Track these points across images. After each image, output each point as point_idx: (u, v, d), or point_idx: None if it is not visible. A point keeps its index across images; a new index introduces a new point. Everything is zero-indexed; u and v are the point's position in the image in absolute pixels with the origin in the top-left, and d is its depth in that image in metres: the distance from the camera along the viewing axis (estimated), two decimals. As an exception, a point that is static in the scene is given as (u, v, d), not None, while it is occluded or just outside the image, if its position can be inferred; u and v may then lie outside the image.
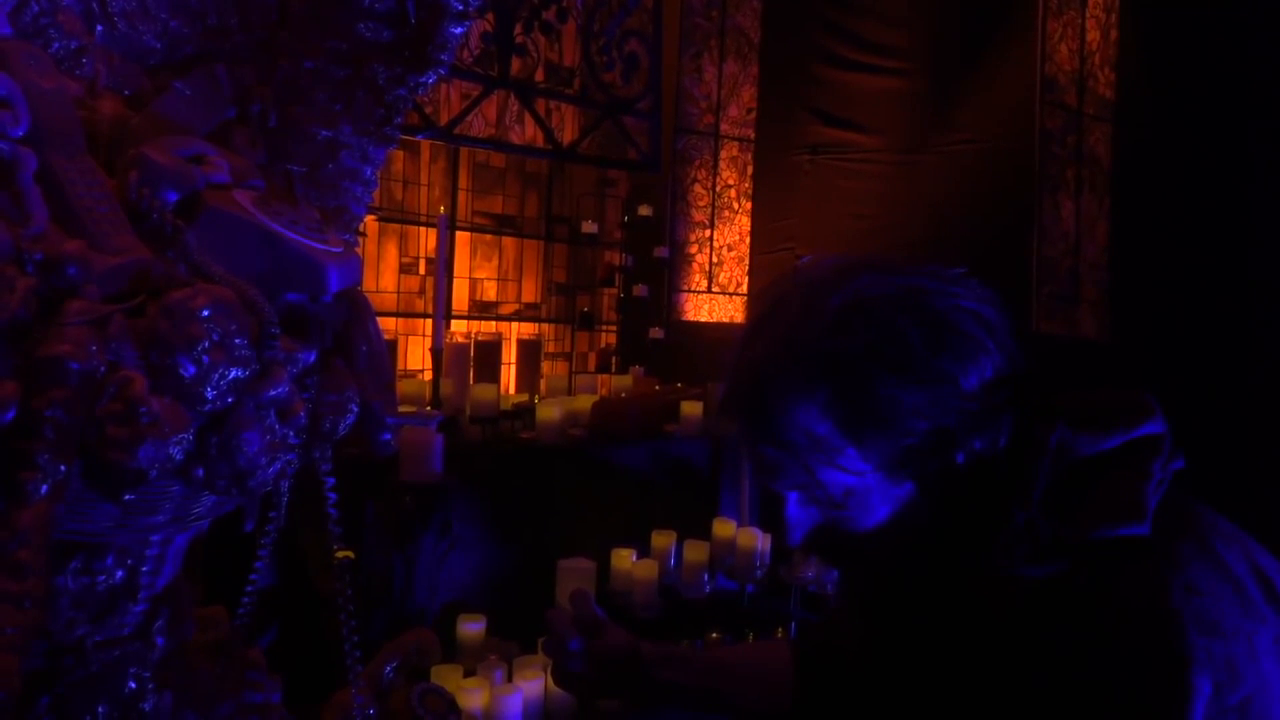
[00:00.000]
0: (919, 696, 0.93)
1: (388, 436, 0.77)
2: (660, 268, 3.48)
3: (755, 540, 2.21)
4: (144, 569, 0.74)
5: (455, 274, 3.41)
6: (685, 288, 3.55)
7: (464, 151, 3.40)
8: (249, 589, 0.88)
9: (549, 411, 2.23)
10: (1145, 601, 0.77)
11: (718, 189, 3.52)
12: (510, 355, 2.98)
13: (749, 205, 3.50)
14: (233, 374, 0.63)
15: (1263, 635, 0.77)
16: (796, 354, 0.85)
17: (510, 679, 1.76)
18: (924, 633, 0.91)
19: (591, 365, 3.69)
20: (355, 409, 0.73)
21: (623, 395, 2.68)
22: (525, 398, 2.59)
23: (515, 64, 2.90)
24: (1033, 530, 0.81)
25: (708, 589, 2.16)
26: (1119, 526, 0.79)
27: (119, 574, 0.73)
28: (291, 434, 0.68)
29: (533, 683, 1.74)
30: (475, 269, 3.57)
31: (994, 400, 0.83)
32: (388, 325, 3.14)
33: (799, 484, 0.88)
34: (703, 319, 3.53)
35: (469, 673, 1.72)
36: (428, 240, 3.35)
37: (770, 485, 0.91)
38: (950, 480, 0.84)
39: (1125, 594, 0.78)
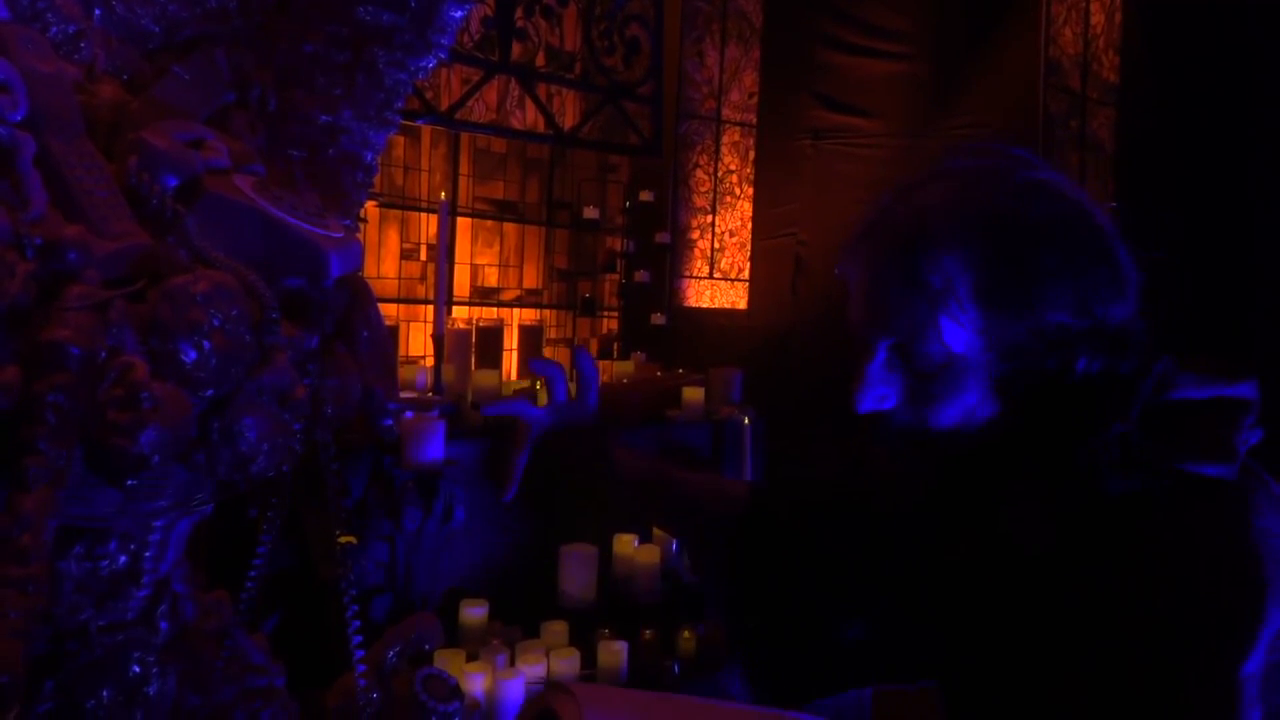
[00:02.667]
0: (955, 594, 0.91)
1: (389, 422, 0.77)
2: (662, 253, 3.47)
3: (757, 526, 2.21)
4: (147, 554, 0.75)
5: (456, 260, 3.40)
6: (687, 273, 3.54)
7: (465, 137, 3.39)
8: (252, 574, 0.89)
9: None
10: (1226, 531, 0.77)
11: (719, 174, 3.51)
12: (512, 341, 2.97)
13: (751, 191, 3.48)
14: (234, 359, 0.63)
15: None
16: (972, 204, 0.84)
17: (513, 664, 1.76)
18: (979, 533, 0.88)
19: (593, 351, 3.69)
20: (357, 394, 0.73)
21: (624, 381, 2.69)
22: (527, 384, 2.59)
23: (516, 48, 2.88)
24: (1126, 444, 0.79)
25: (709, 574, 2.16)
26: (1209, 463, 0.79)
27: (122, 559, 0.73)
28: (293, 419, 0.68)
29: (535, 667, 1.75)
30: (476, 255, 3.56)
31: (1133, 329, 0.83)
32: (389, 311, 3.14)
33: (904, 335, 0.85)
34: (704, 305, 3.52)
35: (471, 657, 1.73)
36: (429, 226, 3.35)
37: (870, 333, 0.88)
38: (1050, 389, 0.83)
39: (1206, 521, 0.78)
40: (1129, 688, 0.77)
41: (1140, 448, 0.80)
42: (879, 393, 0.88)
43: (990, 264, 0.83)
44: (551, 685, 0.97)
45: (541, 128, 3.22)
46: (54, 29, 0.77)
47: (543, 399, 1.18)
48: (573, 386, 1.15)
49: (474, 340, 2.40)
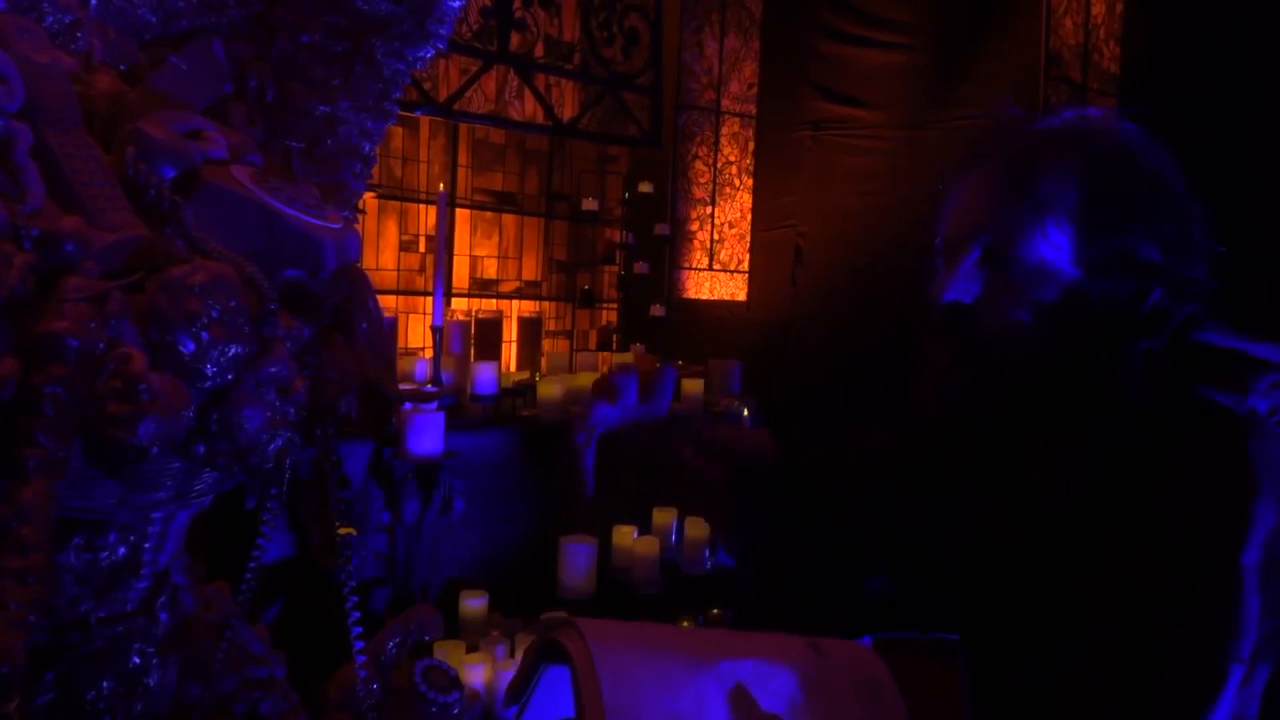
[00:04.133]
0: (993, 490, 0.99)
1: (389, 414, 0.77)
2: (661, 245, 3.47)
3: (756, 517, 2.21)
4: (146, 545, 0.75)
5: (455, 252, 3.40)
6: (686, 265, 3.54)
7: (463, 128, 3.38)
8: (251, 565, 0.89)
9: (550, 389, 2.23)
10: (1226, 441, 0.85)
11: (719, 165, 3.50)
12: (511, 333, 2.97)
13: (750, 182, 3.48)
14: (232, 350, 0.63)
15: None
16: (1090, 138, 0.94)
17: (512, 654, 1.77)
18: (1010, 483, 0.97)
19: (592, 343, 3.69)
20: (356, 386, 0.73)
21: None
22: (526, 375, 2.59)
23: (514, 39, 2.88)
24: (1149, 361, 0.87)
25: (709, 565, 2.17)
26: (1222, 392, 0.86)
27: (121, 550, 0.73)
28: (292, 410, 0.68)
29: (535, 658, 1.75)
30: (475, 246, 3.56)
31: (1206, 285, 0.91)
32: (388, 303, 3.14)
33: (1004, 236, 0.91)
34: (704, 296, 3.52)
35: (471, 648, 1.73)
36: (427, 218, 3.34)
37: (971, 232, 0.95)
38: (1119, 315, 0.89)
39: (1210, 433, 0.86)
40: (1144, 582, 0.84)
41: (1162, 365, 0.87)
42: (964, 287, 0.94)
43: (1097, 187, 0.90)
44: (555, 620, 0.98)
45: (540, 119, 3.21)
46: (50, 19, 0.77)
47: (613, 398, 1.26)
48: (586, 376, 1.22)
49: (473, 332, 2.40)
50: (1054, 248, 0.90)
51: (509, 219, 3.65)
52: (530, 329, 2.83)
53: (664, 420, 1.26)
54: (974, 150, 1.00)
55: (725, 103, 3.48)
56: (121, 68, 0.80)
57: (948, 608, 1.03)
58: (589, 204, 3.45)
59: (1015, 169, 0.94)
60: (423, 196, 3.32)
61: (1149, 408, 0.87)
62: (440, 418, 1.88)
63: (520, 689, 0.85)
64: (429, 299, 2.85)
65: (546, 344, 3.27)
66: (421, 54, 0.93)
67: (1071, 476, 0.93)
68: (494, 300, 3.55)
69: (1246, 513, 0.82)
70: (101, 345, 0.60)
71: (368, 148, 0.92)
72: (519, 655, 1.76)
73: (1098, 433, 0.90)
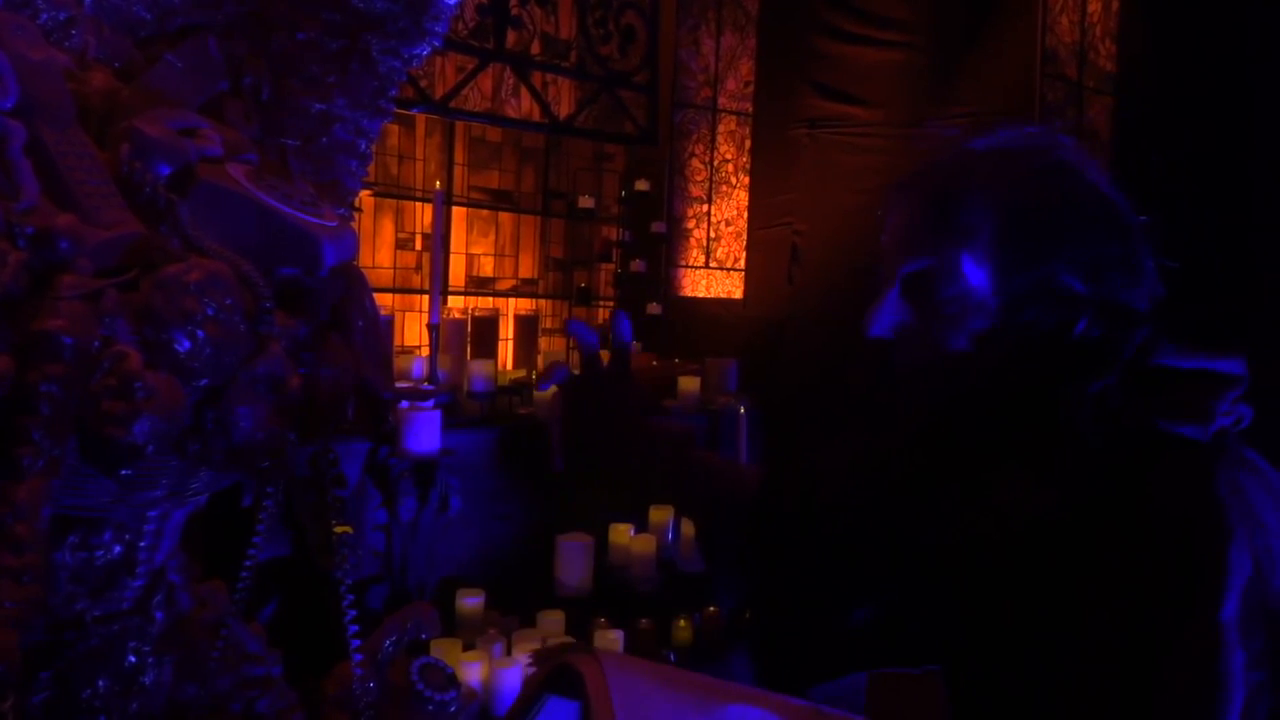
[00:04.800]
0: (938, 537, 0.94)
1: (385, 412, 0.77)
2: (658, 243, 3.46)
3: (753, 515, 2.21)
4: (142, 544, 0.75)
5: (452, 249, 3.39)
6: (683, 263, 3.53)
7: (459, 126, 3.38)
8: (247, 563, 0.89)
9: (546, 387, 2.23)
10: (1192, 482, 0.81)
11: (715, 163, 3.50)
12: (507, 331, 2.97)
13: (747, 180, 3.47)
14: (228, 349, 0.63)
15: None
16: (1011, 164, 0.92)
17: (509, 652, 1.77)
18: (971, 505, 0.91)
19: (589, 341, 3.68)
20: (352, 384, 0.73)
21: (620, 371, 2.68)
22: (523, 373, 2.59)
23: (511, 36, 2.87)
24: (1103, 400, 0.83)
25: (705, 563, 2.17)
26: (1182, 423, 0.82)
27: (117, 549, 0.73)
28: (288, 409, 0.67)
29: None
30: (472, 244, 3.55)
31: (1138, 308, 0.89)
32: (384, 301, 3.13)
33: (927, 266, 0.91)
34: (700, 294, 3.52)
35: (468, 646, 1.73)
36: (424, 216, 3.34)
37: (897, 261, 0.94)
38: (1044, 343, 0.87)
39: (1174, 473, 0.81)
40: (1115, 639, 0.79)
41: (1116, 404, 0.84)
42: (889, 319, 0.94)
43: (1014, 216, 0.89)
44: (570, 645, 0.97)
45: (537, 116, 3.21)
46: (44, 15, 0.76)
47: (574, 361, 1.21)
48: (604, 353, 1.18)
49: (469, 330, 2.40)
50: (973, 281, 0.89)
51: (505, 217, 3.64)
52: (527, 327, 2.83)
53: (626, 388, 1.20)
54: (903, 178, 0.99)
55: (722, 100, 3.47)
56: (116, 65, 0.80)
57: (926, 638, 1.01)
58: (585, 202, 3.44)
59: (936, 200, 0.93)
60: (419, 194, 3.32)
61: (1104, 444, 0.83)
62: (437, 416, 1.88)
63: (520, 716, 0.84)
64: (425, 297, 2.85)
65: (543, 342, 3.27)
66: (417, 51, 0.93)
67: (1025, 506, 0.88)
68: (490, 298, 3.54)
69: (1221, 563, 0.78)
70: (96, 343, 0.60)
71: (364, 145, 0.92)
72: (516, 653, 1.76)
73: (1053, 468, 0.86)
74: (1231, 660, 0.76)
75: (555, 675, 0.82)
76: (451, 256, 3.41)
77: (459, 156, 3.48)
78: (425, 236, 3.33)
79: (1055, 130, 0.97)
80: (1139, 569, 0.79)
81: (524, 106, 3.38)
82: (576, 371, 1.16)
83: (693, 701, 0.80)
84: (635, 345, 3.08)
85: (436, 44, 0.94)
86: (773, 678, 1.81)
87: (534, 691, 0.84)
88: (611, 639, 1.89)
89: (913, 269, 0.92)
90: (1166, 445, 0.82)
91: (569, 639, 1.79)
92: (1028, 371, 0.88)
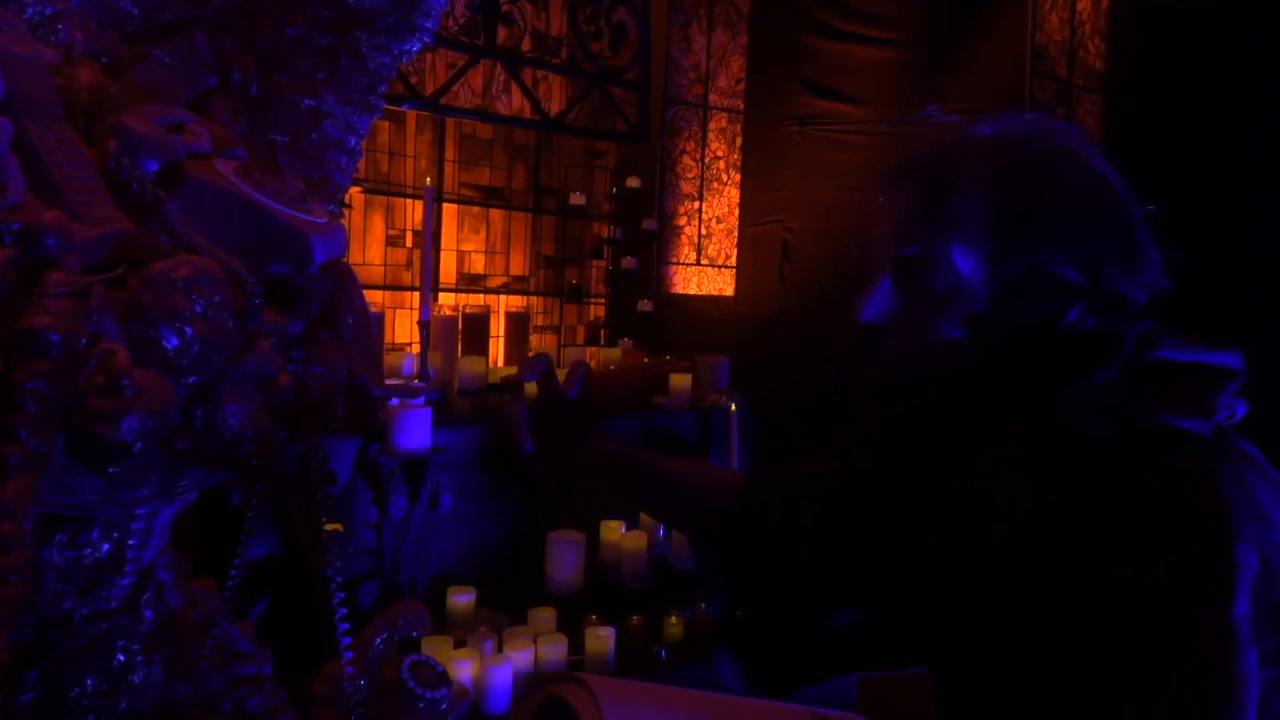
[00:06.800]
0: (928, 542, 0.94)
1: (375, 409, 0.77)
2: (649, 240, 3.46)
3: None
4: (130, 542, 0.74)
5: (442, 246, 3.38)
6: (674, 260, 3.53)
7: (450, 122, 3.37)
8: (237, 561, 0.88)
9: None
10: (1196, 479, 0.80)
11: (707, 160, 3.50)
12: (498, 328, 2.96)
13: (738, 177, 3.48)
14: (216, 346, 0.63)
15: None
16: (1004, 150, 0.91)
17: (500, 650, 1.77)
18: (960, 501, 0.91)
19: (580, 338, 3.69)
20: (342, 381, 0.73)
21: (611, 368, 2.68)
22: (514, 370, 2.58)
23: (501, 33, 2.86)
24: (1108, 392, 0.83)
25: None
26: (1184, 417, 0.82)
27: (105, 547, 0.72)
28: (277, 406, 0.67)
29: (523, 653, 1.75)
30: (462, 241, 3.55)
31: (1134, 300, 0.87)
32: (375, 298, 3.12)
33: (918, 254, 0.90)
34: (691, 291, 3.52)
35: (459, 644, 1.73)
36: (414, 212, 3.33)
37: (888, 249, 0.94)
38: (1032, 334, 0.87)
39: (1179, 469, 0.81)
40: (1122, 638, 0.78)
41: (1121, 396, 0.83)
42: (880, 305, 0.94)
43: (1005, 205, 0.88)
44: (560, 675, 0.95)
45: (527, 113, 3.20)
46: (30, 10, 0.76)
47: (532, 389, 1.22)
48: (562, 373, 1.18)
49: (460, 327, 2.39)
50: (963, 269, 0.88)
51: (496, 214, 3.64)
52: (518, 324, 2.83)
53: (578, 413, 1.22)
54: (897, 163, 0.98)
55: (713, 98, 3.47)
56: (103, 60, 0.80)
57: (910, 639, 1.00)
58: (576, 199, 3.44)
59: (927, 187, 0.92)
60: (409, 191, 3.31)
61: (1106, 440, 0.82)
62: (427, 413, 1.88)
63: None
64: (416, 294, 2.84)
65: (534, 339, 3.27)
66: (407, 47, 0.92)
67: (1024, 500, 0.87)
68: (481, 295, 3.54)
69: (1230, 561, 0.76)
70: (84, 340, 0.60)
71: (353, 142, 0.92)
72: (507, 650, 1.76)
73: (1048, 463, 0.85)
74: (1244, 659, 0.75)
75: (547, 707, 0.80)
76: (442, 253, 3.40)
77: (450, 153, 3.47)
78: (416, 233, 3.32)
79: (1055, 118, 0.97)
80: (1146, 566, 0.78)
81: (515, 103, 3.37)
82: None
83: None
84: (626, 342, 3.08)
85: (427, 40, 0.93)
86: (756, 678, 1.82)
87: None
88: (603, 636, 1.89)
89: (903, 256, 0.92)
90: (1169, 440, 0.82)
91: (558, 674, 1.80)
92: (1019, 362, 0.88)
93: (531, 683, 1.70)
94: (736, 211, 3.47)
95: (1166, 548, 0.78)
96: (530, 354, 2.71)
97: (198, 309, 0.61)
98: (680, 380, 2.44)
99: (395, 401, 1.87)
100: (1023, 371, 0.88)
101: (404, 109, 2.89)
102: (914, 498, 0.97)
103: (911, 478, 0.98)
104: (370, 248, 3.29)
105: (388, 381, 2.05)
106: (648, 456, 1.23)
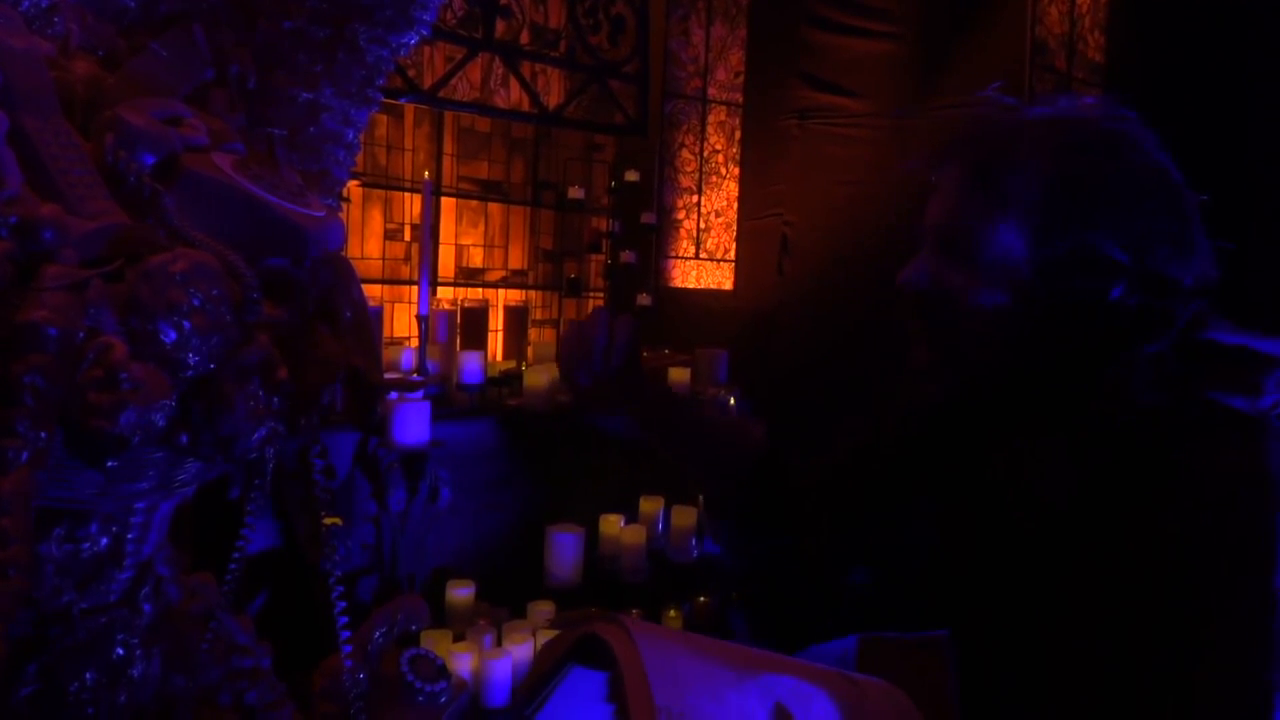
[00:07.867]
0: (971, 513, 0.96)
1: (374, 403, 0.77)
2: (648, 234, 3.46)
3: (742, 505, 2.22)
4: (129, 536, 0.74)
5: (441, 240, 3.37)
6: (673, 254, 3.53)
7: (448, 116, 3.36)
8: (236, 555, 0.88)
9: (536, 378, 2.23)
10: (1244, 453, 0.82)
11: (705, 154, 3.49)
12: (497, 322, 2.96)
13: (737, 171, 3.47)
14: (214, 339, 0.63)
15: None
16: (1059, 131, 0.93)
17: (499, 644, 1.77)
18: (1002, 481, 0.93)
19: (579, 332, 3.67)
20: (340, 375, 0.73)
21: (610, 362, 2.68)
22: (512, 364, 2.58)
23: (500, 26, 2.86)
24: (1160, 364, 0.85)
25: (695, 554, 2.18)
26: (1234, 394, 0.84)
27: (104, 541, 0.72)
28: (275, 400, 0.67)
29: (522, 647, 1.76)
30: (461, 235, 3.54)
31: (1181, 281, 0.89)
32: (373, 292, 3.12)
33: (961, 228, 0.92)
34: (690, 285, 3.52)
35: (458, 637, 1.73)
36: (413, 206, 3.32)
37: (934, 223, 0.96)
38: (1077, 308, 0.88)
39: (1226, 442, 0.83)
40: (1161, 607, 0.80)
41: (1171, 370, 0.85)
42: (924, 275, 0.96)
43: (1057, 184, 0.89)
44: (594, 613, 0.95)
45: (526, 107, 3.19)
46: (26, 3, 0.75)
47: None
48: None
49: (459, 321, 2.39)
50: (1010, 246, 0.90)
51: (495, 207, 3.63)
52: (516, 318, 2.83)
53: (641, 400, 1.24)
54: (954, 140, 1.00)
55: (712, 91, 3.47)
56: (100, 53, 0.79)
57: (931, 602, 1.02)
58: (575, 192, 3.43)
59: (983, 163, 0.94)
60: (408, 185, 3.30)
61: (1155, 411, 0.85)
62: (426, 407, 1.88)
63: (539, 686, 0.81)
64: (414, 288, 2.83)
65: (533, 333, 3.26)
66: (405, 40, 0.92)
67: (1067, 472, 0.90)
68: (480, 289, 3.53)
69: (1273, 531, 0.78)
70: (81, 334, 0.59)
71: (351, 135, 0.91)
72: (506, 644, 1.76)
73: (1096, 431, 0.88)
74: None
75: (579, 645, 0.80)
76: (441, 247, 3.39)
77: (448, 147, 3.46)
78: (414, 227, 3.31)
79: (1115, 103, 0.97)
80: (1189, 533, 0.80)
81: (513, 97, 3.36)
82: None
83: (725, 670, 0.78)
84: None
85: (424, 33, 0.93)
86: (766, 634, 1.82)
87: (556, 661, 0.81)
88: (602, 629, 1.89)
89: (951, 229, 0.94)
90: (1217, 416, 0.84)
91: (592, 610, 1.79)
92: (1068, 333, 0.89)
93: (562, 621, 1.68)
94: (735, 205, 3.46)
95: (1211, 515, 0.80)
96: (531, 348, 2.71)
97: (195, 303, 0.61)
98: (679, 374, 2.44)
99: (394, 395, 1.87)
100: (1073, 341, 0.89)
101: (402, 102, 2.88)
102: (953, 478, 1.00)
103: (952, 457, 1.01)
104: (368, 241, 3.28)
105: (386, 375, 2.05)
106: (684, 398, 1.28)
